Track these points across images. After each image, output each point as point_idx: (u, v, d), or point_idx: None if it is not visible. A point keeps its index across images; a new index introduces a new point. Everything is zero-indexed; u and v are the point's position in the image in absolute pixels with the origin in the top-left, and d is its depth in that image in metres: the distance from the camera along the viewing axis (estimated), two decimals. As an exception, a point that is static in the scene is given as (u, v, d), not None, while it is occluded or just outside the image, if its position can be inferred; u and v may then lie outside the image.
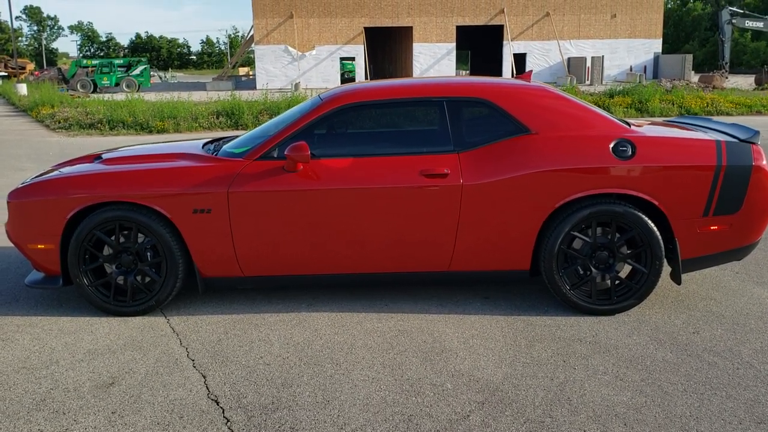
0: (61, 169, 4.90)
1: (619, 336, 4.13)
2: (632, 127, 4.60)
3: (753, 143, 4.42)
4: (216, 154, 4.72)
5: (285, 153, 4.36)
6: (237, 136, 5.28)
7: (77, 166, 4.89)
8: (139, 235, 4.53)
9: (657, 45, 46.33)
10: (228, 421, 3.24)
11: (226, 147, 4.84)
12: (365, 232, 4.42)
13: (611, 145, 4.33)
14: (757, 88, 33.25)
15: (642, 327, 4.26)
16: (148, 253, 4.55)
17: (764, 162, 4.36)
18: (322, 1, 43.25)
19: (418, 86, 4.66)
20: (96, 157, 5.08)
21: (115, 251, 4.53)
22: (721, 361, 3.78)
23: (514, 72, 43.72)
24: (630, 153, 4.31)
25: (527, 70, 44.16)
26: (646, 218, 4.30)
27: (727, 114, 20.35)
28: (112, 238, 4.51)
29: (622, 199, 4.39)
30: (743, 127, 4.63)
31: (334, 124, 4.69)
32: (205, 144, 5.21)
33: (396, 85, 4.70)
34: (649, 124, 5.05)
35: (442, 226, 4.40)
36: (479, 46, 54.42)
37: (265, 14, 43.07)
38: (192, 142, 5.44)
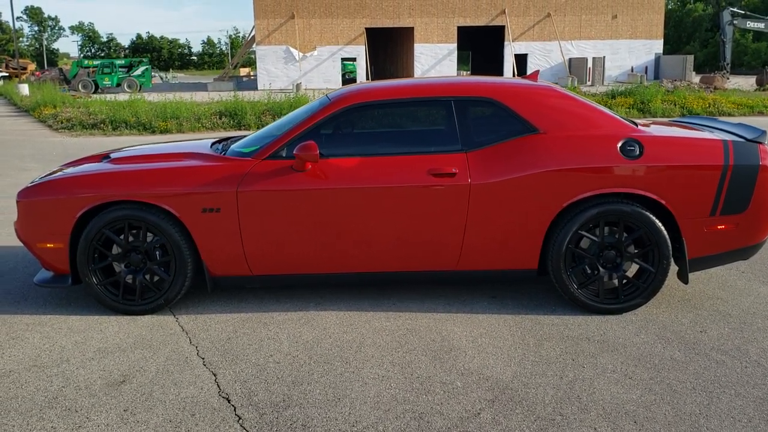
0: (69, 169, 4.92)
1: (626, 335, 4.15)
2: (639, 127, 4.61)
3: (760, 143, 4.44)
4: (224, 154, 4.73)
5: (294, 152, 4.37)
6: (245, 136, 5.29)
7: (85, 165, 4.91)
8: (148, 234, 4.55)
9: (658, 46, 46.35)
10: (240, 418, 3.26)
11: (234, 146, 4.86)
12: (373, 231, 4.44)
13: (619, 145, 4.35)
14: (758, 88, 33.27)
15: (649, 326, 4.28)
16: (157, 252, 4.56)
17: (771, 161, 4.38)
18: (324, 1, 43.28)
19: (426, 86, 4.68)
20: (104, 157, 5.10)
21: (124, 250, 4.55)
22: (729, 359, 3.80)
23: (515, 73, 43.75)
24: (637, 153, 4.33)
25: (530, 70, 44.23)
26: (654, 217, 4.32)
27: (729, 114, 20.35)
28: (121, 237, 4.53)
29: (630, 198, 4.41)
30: (749, 126, 4.65)
31: (342, 123, 4.71)
32: (213, 143, 5.22)
33: (404, 85, 4.72)
34: (655, 124, 5.06)
35: (449, 225, 4.41)
36: (480, 46, 54.43)
37: (267, 15, 43.11)
38: (200, 141, 5.46)
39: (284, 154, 4.51)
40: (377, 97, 4.61)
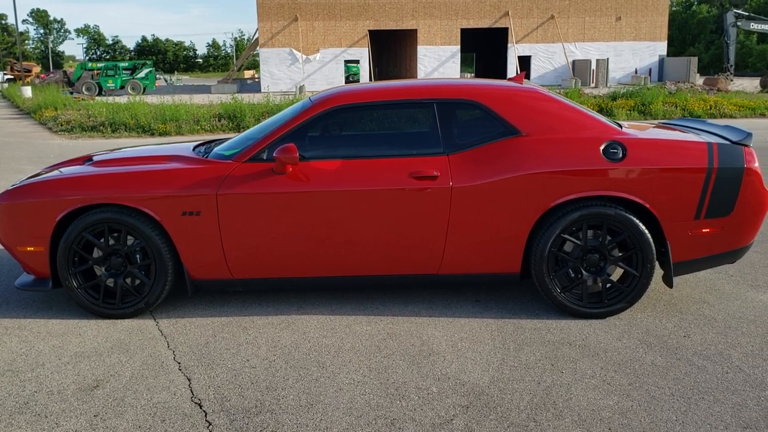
0: (51, 171, 4.90)
1: (608, 339, 4.10)
2: (623, 129, 4.56)
3: (745, 145, 4.38)
4: (206, 157, 4.70)
5: (273, 155, 4.34)
6: (228, 139, 5.26)
7: (66, 168, 4.89)
8: (129, 237, 4.52)
9: (662, 48, 46.22)
10: (210, 424, 3.22)
11: (217, 149, 4.83)
12: (354, 234, 4.40)
13: (602, 147, 4.30)
14: (762, 90, 33.11)
15: (632, 330, 4.23)
16: (138, 256, 4.53)
17: (756, 164, 4.33)
18: (327, 4, 43.29)
19: (408, 88, 4.64)
20: (86, 159, 5.08)
21: (104, 253, 4.52)
22: (710, 365, 3.74)
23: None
24: (621, 155, 4.28)
25: (534, 72, 44.17)
26: (637, 221, 4.27)
27: (731, 116, 20.25)
28: (102, 240, 4.50)
29: (613, 201, 4.36)
30: (736, 129, 4.60)
31: (324, 126, 4.68)
32: (195, 146, 5.19)
33: (386, 87, 4.68)
34: (642, 126, 5.01)
35: (431, 228, 4.37)
36: (484, 48, 54.40)
37: (270, 17, 43.14)
38: (183, 144, 5.43)
39: (265, 157, 4.48)
40: (359, 99, 4.57)
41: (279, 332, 4.30)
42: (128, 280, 4.58)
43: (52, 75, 51.10)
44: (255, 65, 76.09)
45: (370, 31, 44.23)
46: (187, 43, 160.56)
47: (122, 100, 25.12)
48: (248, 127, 18.36)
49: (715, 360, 3.80)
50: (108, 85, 42.07)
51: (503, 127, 4.43)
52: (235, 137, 5.09)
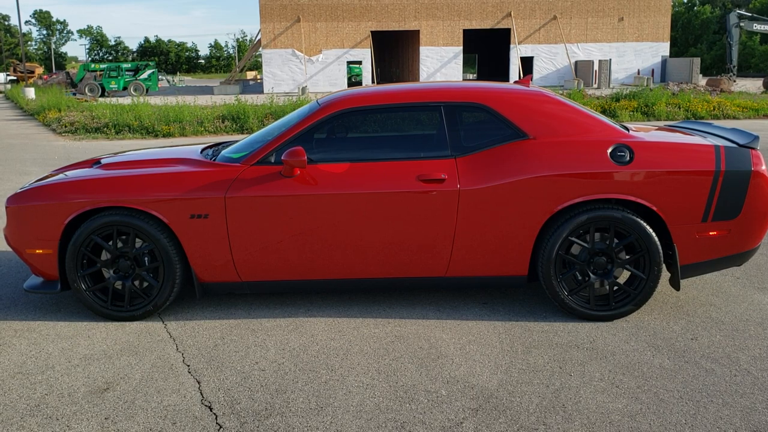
0: (59, 174, 4.91)
1: (616, 342, 4.11)
2: (630, 132, 4.57)
3: (752, 148, 4.39)
4: (214, 159, 4.72)
5: (282, 158, 4.35)
6: (236, 141, 5.28)
7: (75, 170, 4.90)
8: (137, 240, 4.53)
9: (665, 48, 46.22)
10: (221, 427, 3.23)
11: (224, 152, 4.84)
12: (362, 237, 4.41)
13: (609, 150, 4.31)
14: (765, 91, 33.08)
15: (640, 333, 4.24)
16: (146, 258, 4.55)
17: (763, 167, 4.33)
18: (329, 5, 43.33)
19: (416, 91, 4.65)
20: (95, 162, 5.09)
21: (112, 256, 4.53)
22: (718, 367, 3.75)
23: (521, 75, 43.66)
24: (628, 158, 4.29)
25: (537, 73, 44.16)
26: (645, 224, 4.28)
27: (734, 118, 20.24)
28: (110, 242, 4.52)
29: (621, 204, 4.37)
30: (743, 131, 4.60)
31: (331, 129, 4.69)
32: (203, 149, 5.21)
33: (394, 90, 4.70)
34: (648, 128, 5.02)
35: (438, 231, 4.38)
36: (486, 49, 54.44)
37: (272, 18, 43.18)
38: (190, 147, 5.45)
39: (273, 160, 4.49)
40: (366, 102, 4.58)
41: (287, 335, 4.31)
42: (136, 283, 4.60)
43: (54, 76, 51.18)
44: (257, 66, 76.12)
45: (372, 32, 44.27)
46: (189, 44, 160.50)
47: (125, 101, 25.15)
48: (252, 129, 18.39)
49: (722, 363, 3.81)
50: (111, 86, 42.14)
51: (510, 130, 4.44)
52: (242, 140, 5.10)
